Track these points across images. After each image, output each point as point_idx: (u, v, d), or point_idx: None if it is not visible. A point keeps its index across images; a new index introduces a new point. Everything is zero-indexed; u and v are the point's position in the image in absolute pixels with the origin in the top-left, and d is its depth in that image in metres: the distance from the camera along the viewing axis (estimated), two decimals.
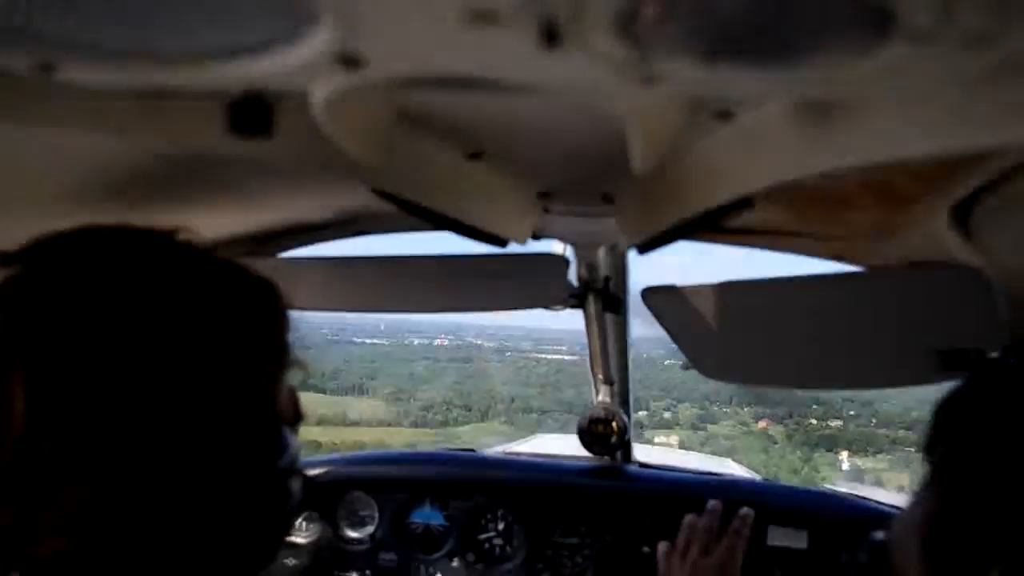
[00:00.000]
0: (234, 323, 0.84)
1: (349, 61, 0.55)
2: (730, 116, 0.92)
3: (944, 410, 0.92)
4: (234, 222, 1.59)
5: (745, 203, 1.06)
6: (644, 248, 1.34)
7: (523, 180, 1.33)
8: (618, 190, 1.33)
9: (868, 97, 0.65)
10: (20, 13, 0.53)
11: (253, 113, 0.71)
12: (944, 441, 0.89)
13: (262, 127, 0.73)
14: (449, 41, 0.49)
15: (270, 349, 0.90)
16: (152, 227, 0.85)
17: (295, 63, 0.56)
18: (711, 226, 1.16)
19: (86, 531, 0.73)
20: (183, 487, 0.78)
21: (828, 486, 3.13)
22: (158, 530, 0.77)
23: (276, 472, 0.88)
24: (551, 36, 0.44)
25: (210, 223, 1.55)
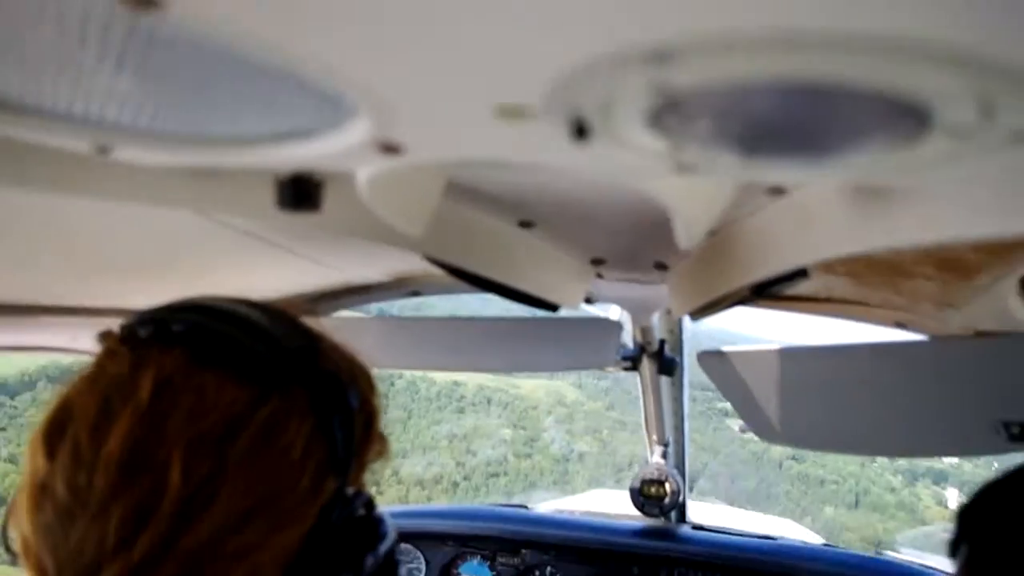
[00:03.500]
0: (360, 400, 0.83)
1: (389, 148, 0.55)
2: (782, 192, 0.91)
3: (967, 512, 0.89)
4: (293, 283, 1.62)
5: (800, 274, 1.04)
6: (697, 315, 1.32)
7: (575, 248, 1.33)
8: (672, 259, 1.32)
9: (923, 187, 0.63)
10: (79, 101, 0.55)
11: (302, 190, 0.73)
12: (967, 542, 0.86)
13: (311, 203, 0.74)
14: (482, 133, 0.49)
15: (371, 423, 0.87)
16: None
17: (338, 149, 0.57)
18: (766, 295, 1.14)
19: None
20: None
21: (892, 555, 2.97)
22: None
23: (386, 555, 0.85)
24: (581, 131, 0.44)
25: (269, 283, 1.59)
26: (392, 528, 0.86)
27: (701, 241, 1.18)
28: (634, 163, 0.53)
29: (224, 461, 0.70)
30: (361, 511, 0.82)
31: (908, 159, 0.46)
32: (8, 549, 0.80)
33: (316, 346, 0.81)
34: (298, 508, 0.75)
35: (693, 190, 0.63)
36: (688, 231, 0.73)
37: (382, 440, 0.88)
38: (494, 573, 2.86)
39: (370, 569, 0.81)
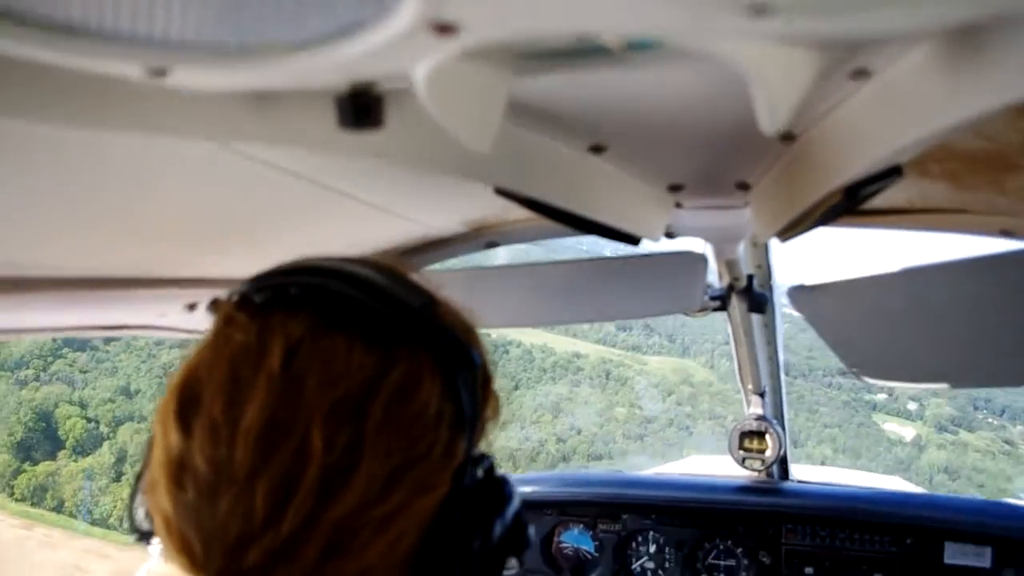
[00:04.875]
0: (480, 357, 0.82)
1: (443, 28, 0.53)
2: (867, 75, 0.85)
3: None
4: (373, 239, 1.63)
5: (894, 172, 0.98)
6: (785, 234, 1.26)
7: (652, 173, 1.29)
8: (754, 176, 1.26)
9: (1013, 19, 0.58)
10: (129, 20, 0.55)
11: (362, 105, 0.71)
12: None
13: (372, 119, 0.73)
14: None
15: (488, 382, 0.86)
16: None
17: (391, 39, 0.55)
18: (858, 205, 1.07)
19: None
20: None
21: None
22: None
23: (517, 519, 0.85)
24: None
25: (349, 241, 1.60)
26: (517, 490, 0.85)
27: (783, 151, 1.13)
28: (703, 12, 0.50)
29: (363, 426, 0.69)
30: (487, 473, 0.81)
31: None
32: (135, 528, 0.82)
33: (434, 303, 0.80)
34: (436, 470, 0.75)
35: (774, 55, 0.59)
36: (771, 108, 0.68)
37: (496, 400, 0.87)
38: (596, 541, 2.86)
39: (500, 533, 0.81)
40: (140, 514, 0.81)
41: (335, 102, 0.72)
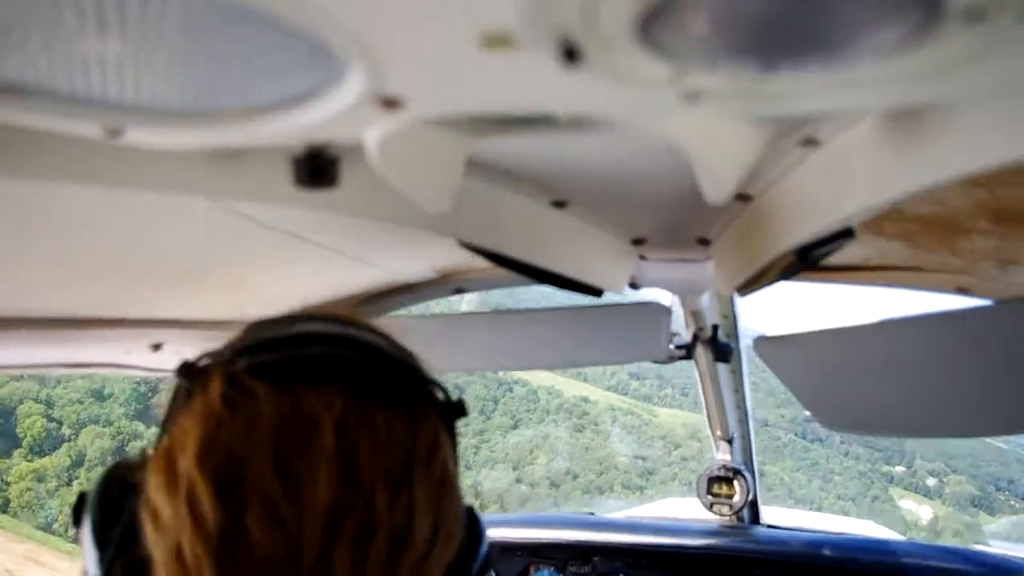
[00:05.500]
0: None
1: (389, 102, 0.54)
2: (816, 143, 0.87)
3: None
4: (336, 285, 1.63)
5: (846, 234, 1.00)
6: (744, 290, 1.28)
7: (614, 226, 1.31)
8: (713, 231, 1.28)
9: (958, 101, 0.60)
10: (83, 84, 0.55)
11: (317, 165, 0.72)
12: None
13: (328, 179, 0.74)
14: (473, 71, 0.48)
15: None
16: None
17: (340, 109, 0.56)
18: (814, 262, 1.09)
19: None
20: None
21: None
22: None
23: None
24: (570, 54, 0.42)
25: (313, 286, 1.60)
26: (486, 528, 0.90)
27: (740, 210, 1.15)
28: (638, 97, 0.51)
29: (412, 489, 0.72)
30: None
31: (929, 60, 0.43)
32: None
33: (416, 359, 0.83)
34: (456, 522, 0.78)
35: (716, 133, 0.60)
36: (715, 183, 0.70)
37: None
38: None
39: (478, 565, 0.87)
40: None
41: (291, 162, 0.73)
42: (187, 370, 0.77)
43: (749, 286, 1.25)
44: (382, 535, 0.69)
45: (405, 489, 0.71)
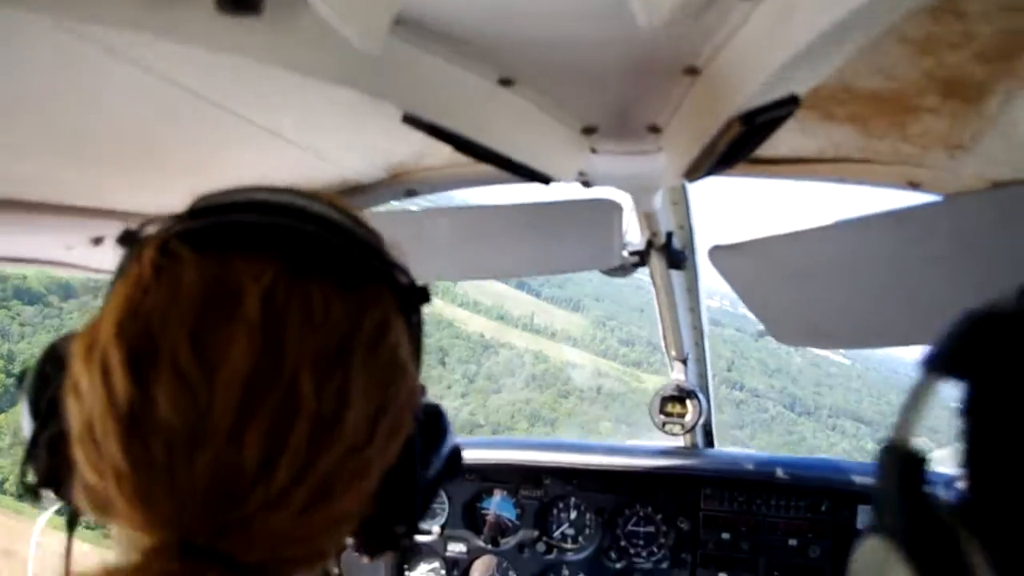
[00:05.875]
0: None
1: None
2: None
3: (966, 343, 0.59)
4: (286, 177, 1.59)
5: (791, 101, 0.98)
6: (693, 174, 1.27)
7: (564, 112, 1.28)
8: (663, 116, 1.26)
9: None
10: None
11: None
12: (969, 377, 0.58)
13: (251, 3, 0.70)
14: None
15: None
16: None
17: None
18: (758, 136, 1.08)
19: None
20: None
21: None
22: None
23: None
24: None
25: (261, 175, 1.56)
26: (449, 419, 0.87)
27: (689, 87, 1.13)
28: None
29: (348, 374, 0.67)
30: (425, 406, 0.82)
31: None
32: (25, 485, 0.76)
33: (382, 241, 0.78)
34: (405, 412, 0.74)
35: None
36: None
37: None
38: (518, 508, 2.88)
39: (441, 463, 0.83)
40: (38, 469, 0.76)
41: None
42: (128, 238, 0.73)
43: (699, 168, 1.24)
44: (304, 419, 0.64)
45: (338, 372, 0.66)
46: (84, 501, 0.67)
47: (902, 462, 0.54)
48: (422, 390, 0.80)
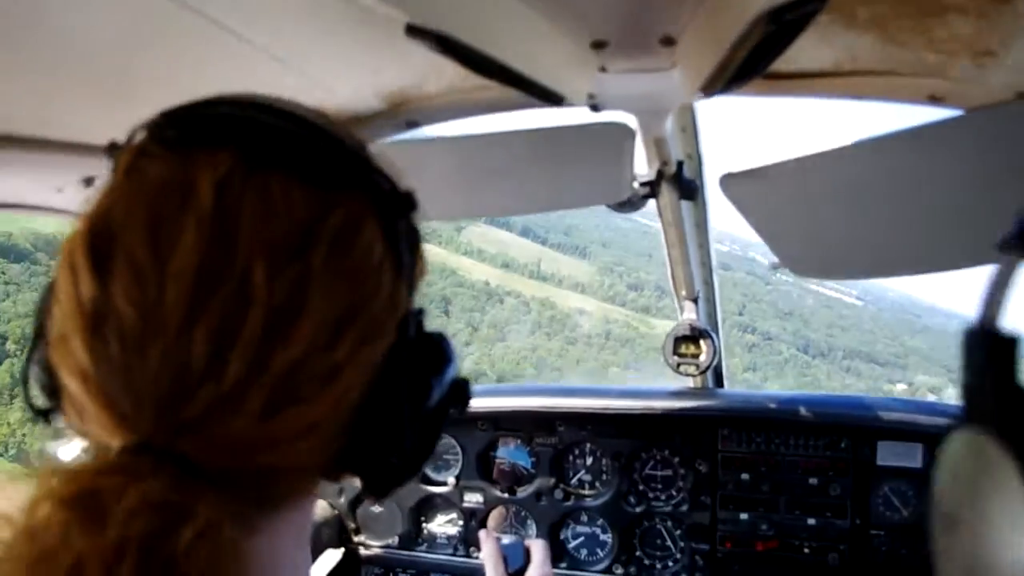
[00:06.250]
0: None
1: None
2: None
3: None
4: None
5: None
6: (710, 88, 1.22)
7: (574, 24, 1.22)
8: (677, 27, 1.20)
9: None
10: None
11: None
12: None
13: None
14: None
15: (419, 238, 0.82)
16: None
17: None
18: (783, 41, 1.03)
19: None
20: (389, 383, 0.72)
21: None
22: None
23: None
24: None
25: None
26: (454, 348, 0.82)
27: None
28: None
29: (307, 269, 0.64)
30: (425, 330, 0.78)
31: None
32: (31, 404, 0.74)
33: (366, 149, 0.75)
34: (381, 319, 0.71)
35: None
36: None
37: (424, 259, 0.82)
38: (532, 456, 2.86)
39: (443, 389, 0.79)
40: (39, 382, 0.73)
41: None
42: (113, 148, 0.72)
43: (714, 83, 1.19)
44: (256, 312, 0.61)
45: (296, 264, 0.64)
46: (70, 414, 0.67)
47: (994, 347, 0.50)
48: (418, 312, 0.77)
